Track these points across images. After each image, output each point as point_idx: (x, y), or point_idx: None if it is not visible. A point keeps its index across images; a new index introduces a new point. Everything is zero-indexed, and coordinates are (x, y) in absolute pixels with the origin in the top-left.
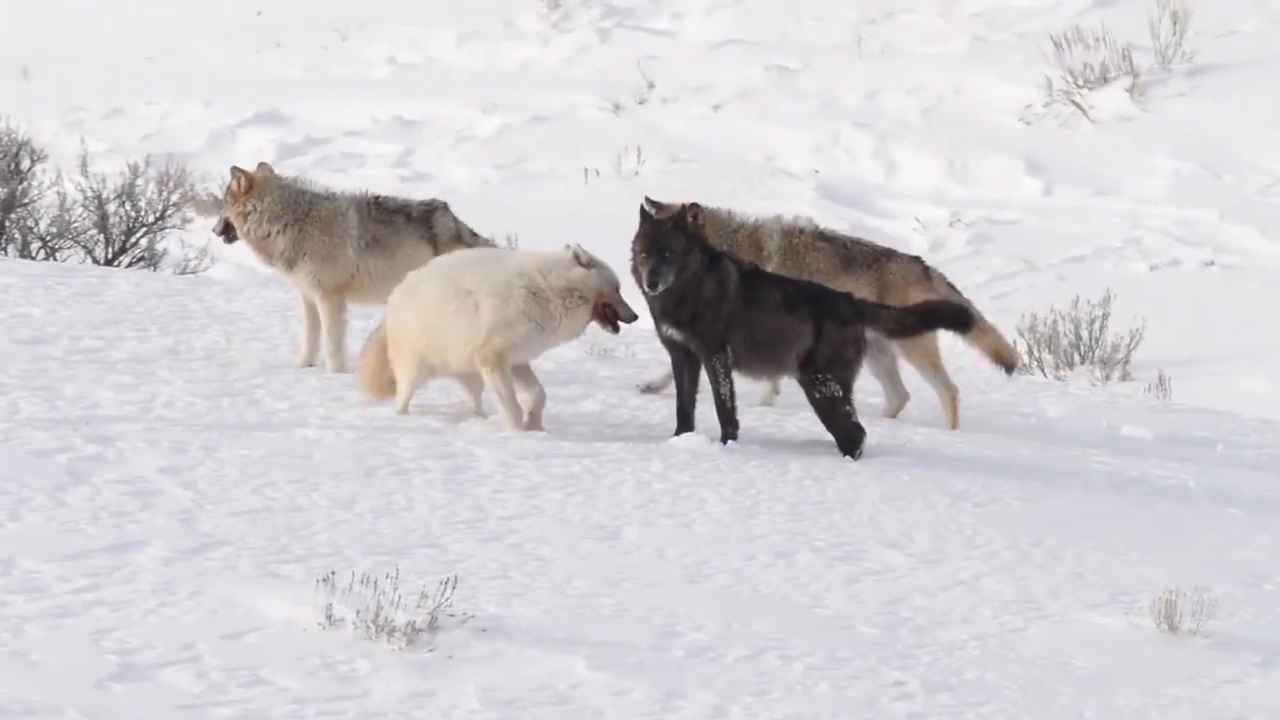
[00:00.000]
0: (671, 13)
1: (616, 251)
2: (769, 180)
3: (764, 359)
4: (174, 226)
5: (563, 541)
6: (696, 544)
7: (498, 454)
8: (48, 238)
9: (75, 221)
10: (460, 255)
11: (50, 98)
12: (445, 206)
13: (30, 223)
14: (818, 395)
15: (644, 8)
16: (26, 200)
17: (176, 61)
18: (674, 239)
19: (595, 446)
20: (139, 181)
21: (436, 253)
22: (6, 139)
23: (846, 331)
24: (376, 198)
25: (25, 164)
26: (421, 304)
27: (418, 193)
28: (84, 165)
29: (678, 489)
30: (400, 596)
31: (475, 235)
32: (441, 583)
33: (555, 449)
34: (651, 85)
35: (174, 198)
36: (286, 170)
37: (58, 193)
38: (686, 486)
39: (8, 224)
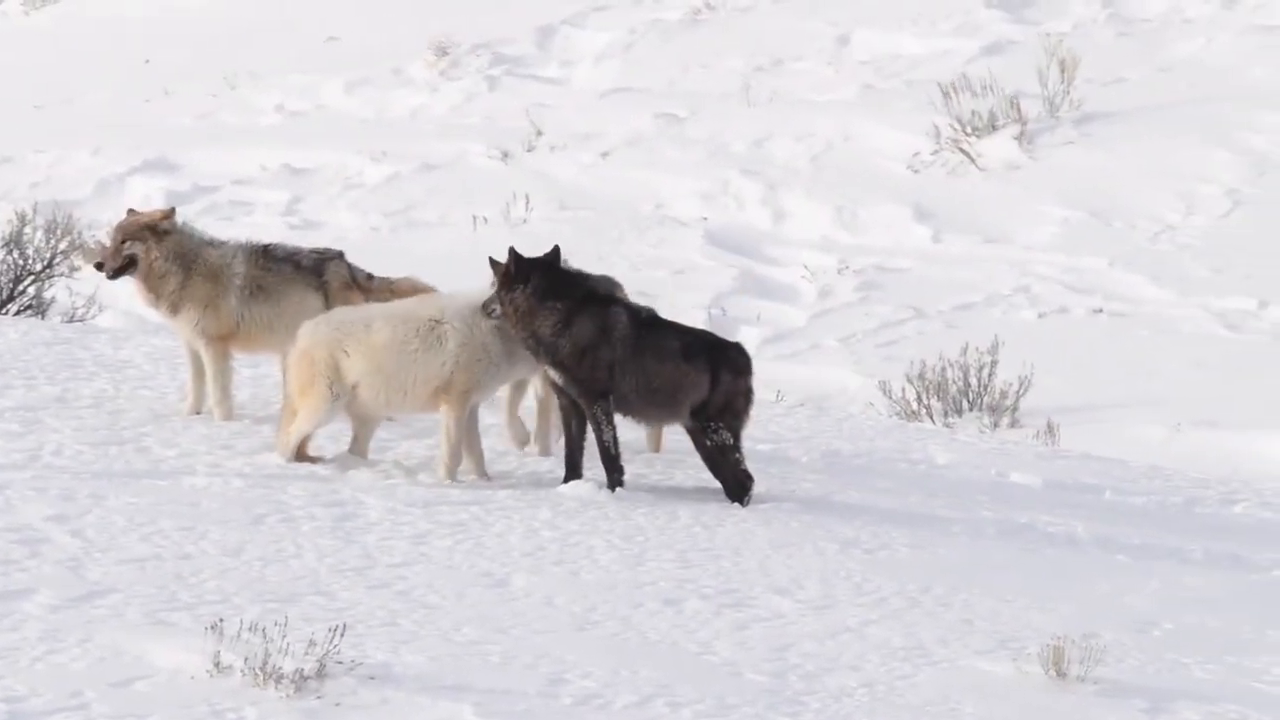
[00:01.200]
0: (560, 60)
1: None
2: (658, 228)
3: (658, 406)
4: (61, 274)
5: (451, 589)
6: (585, 591)
7: (386, 501)
8: None
9: None
10: (408, 299)
11: None
12: (340, 255)
13: None
14: (709, 443)
15: (532, 56)
16: None
17: (65, 109)
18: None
19: (483, 494)
20: (26, 229)
21: (328, 302)
22: None
23: (740, 381)
24: (266, 246)
25: None
26: (373, 344)
27: (306, 240)
28: None
29: (566, 536)
30: (288, 644)
31: (371, 278)
32: (330, 630)
33: (443, 496)
34: (540, 133)
35: (62, 245)
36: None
37: None
38: (575, 534)
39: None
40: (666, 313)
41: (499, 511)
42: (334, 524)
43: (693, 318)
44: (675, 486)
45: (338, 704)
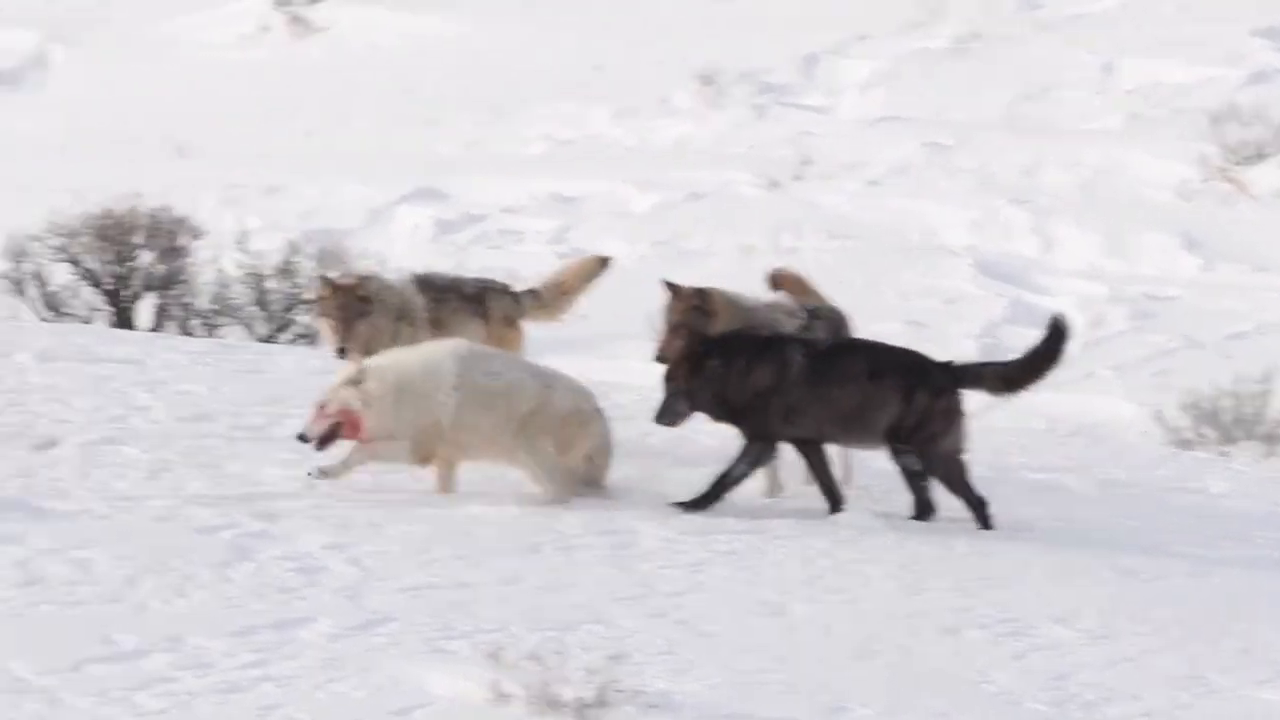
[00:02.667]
0: (825, 89)
1: None
2: (926, 257)
3: (850, 431)
4: None
5: (729, 617)
6: (863, 620)
7: (662, 530)
8: (208, 315)
9: (235, 298)
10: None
11: (208, 175)
12: (505, 288)
13: (190, 300)
14: (898, 464)
15: (798, 85)
16: (185, 278)
17: (335, 139)
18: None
19: (760, 522)
20: (297, 258)
21: (488, 332)
22: (164, 216)
23: (936, 402)
24: (425, 276)
25: (184, 241)
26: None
27: None
28: (243, 242)
29: (843, 565)
30: (567, 672)
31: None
32: (608, 658)
33: (720, 525)
34: (806, 162)
35: (333, 274)
36: (446, 248)
37: (217, 270)
38: (852, 562)
39: (167, 301)
40: (935, 343)
41: (776, 540)
42: (611, 552)
43: (963, 348)
44: (951, 515)
45: None
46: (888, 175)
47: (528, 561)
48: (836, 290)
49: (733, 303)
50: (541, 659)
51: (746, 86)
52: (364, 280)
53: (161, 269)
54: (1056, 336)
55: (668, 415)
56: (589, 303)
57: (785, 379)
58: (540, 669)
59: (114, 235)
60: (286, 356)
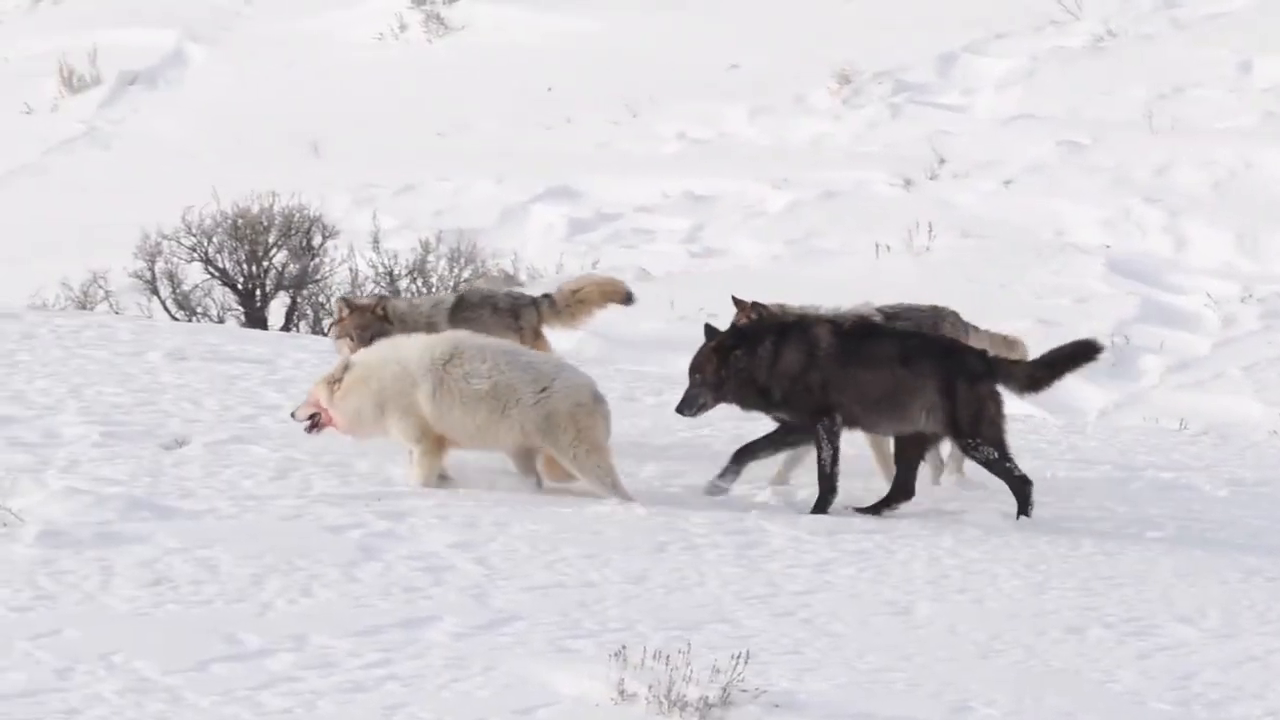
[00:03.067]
0: (961, 88)
1: None
2: (1059, 255)
3: (885, 416)
4: None
5: (854, 617)
6: (988, 619)
7: (789, 529)
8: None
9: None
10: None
11: (341, 175)
12: (534, 301)
13: (323, 299)
14: (977, 459)
15: (934, 84)
16: (319, 276)
17: (467, 138)
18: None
19: (887, 522)
20: (430, 257)
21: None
22: (299, 215)
23: (980, 388)
24: (461, 294)
25: (317, 240)
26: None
27: (707, 268)
28: (376, 242)
29: (969, 564)
30: (692, 671)
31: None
32: (733, 658)
33: (847, 525)
34: (942, 160)
35: (465, 273)
36: (579, 246)
37: (350, 269)
38: (978, 562)
39: (300, 300)
40: (1061, 342)
41: (902, 539)
42: (737, 552)
43: None
44: (1077, 515)
45: None
46: (1022, 174)
47: (654, 561)
48: (969, 288)
49: None
50: (667, 658)
51: (882, 85)
52: (383, 300)
53: (294, 268)
54: (1084, 353)
55: (689, 406)
56: (717, 302)
57: (815, 359)
58: (665, 668)
59: (247, 234)
60: None
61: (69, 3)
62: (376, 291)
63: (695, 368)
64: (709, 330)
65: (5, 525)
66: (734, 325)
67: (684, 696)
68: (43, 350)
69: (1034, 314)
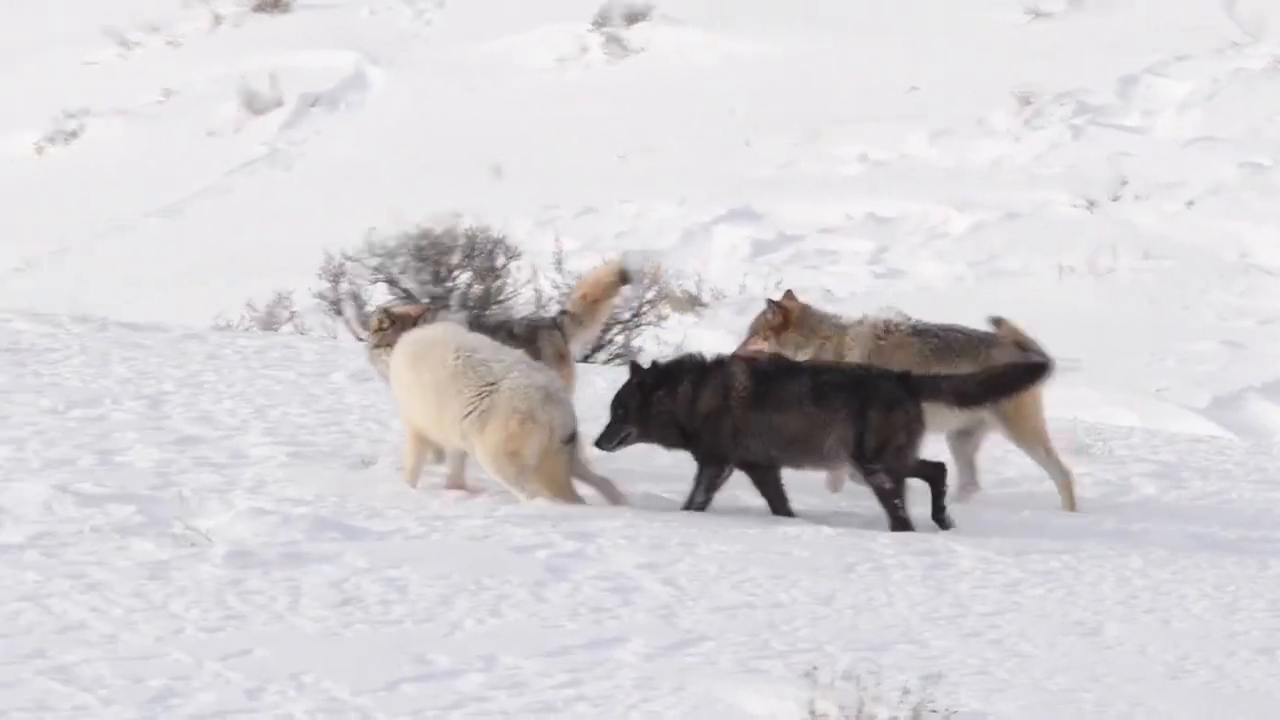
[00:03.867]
0: (1143, 110)
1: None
2: (1243, 277)
3: (800, 454)
4: (649, 324)
5: (1043, 637)
6: (1177, 640)
7: (978, 550)
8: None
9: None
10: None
11: (524, 196)
12: (553, 324)
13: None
14: (869, 484)
15: (1115, 105)
16: (502, 297)
17: (649, 160)
18: (640, 396)
19: (1075, 542)
20: None
21: None
22: (482, 237)
23: (893, 416)
24: (478, 315)
25: (500, 261)
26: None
27: (891, 290)
28: (558, 262)
29: (1158, 585)
30: (882, 691)
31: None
32: (923, 678)
33: (1035, 545)
34: (1124, 182)
35: (649, 295)
36: (762, 268)
37: (533, 290)
38: (1166, 582)
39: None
40: (1251, 363)
41: (1090, 560)
42: (925, 572)
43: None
44: (1265, 536)
45: None
46: (1204, 195)
47: (842, 581)
48: (1151, 310)
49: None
50: (856, 679)
51: (1064, 106)
52: (426, 310)
53: (478, 289)
54: (1032, 372)
55: (608, 440)
56: None
57: (729, 402)
58: (855, 689)
59: (431, 255)
60: (600, 376)
61: (250, 26)
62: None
63: (618, 403)
64: (633, 367)
65: (194, 546)
66: (655, 363)
67: (874, 717)
68: (228, 371)
69: (1218, 336)
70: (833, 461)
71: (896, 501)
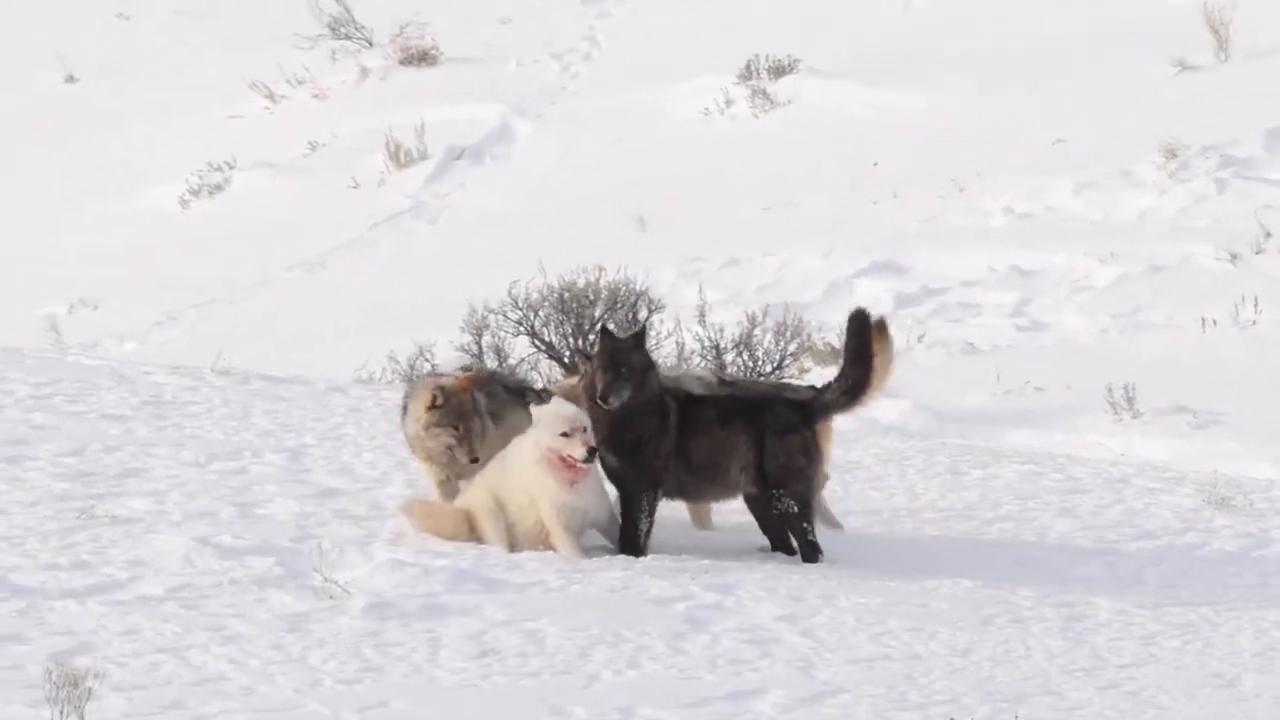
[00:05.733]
0: None
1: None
2: None
3: (711, 483)
4: (791, 376)
5: (1180, 689)
6: None
7: (1116, 602)
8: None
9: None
10: None
11: (667, 249)
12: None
13: None
14: (774, 512)
15: (1262, 159)
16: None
17: (793, 213)
18: (634, 357)
19: (1214, 594)
20: (756, 331)
21: None
22: (625, 289)
23: (788, 440)
24: (492, 373)
25: (643, 314)
26: None
27: (1034, 343)
28: (702, 315)
29: None
30: None
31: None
32: None
33: (1173, 597)
34: (1268, 235)
35: (791, 347)
36: (905, 320)
37: (676, 342)
38: None
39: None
40: None
41: (1228, 612)
42: (1063, 625)
43: None
44: None
45: None
46: None
47: (980, 633)
48: None
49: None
50: None
51: (1209, 159)
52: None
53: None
54: (855, 329)
55: None
56: (1045, 376)
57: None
58: None
59: (573, 308)
60: None
61: (396, 79)
62: (697, 365)
63: (616, 359)
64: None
65: (333, 598)
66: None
67: None
68: (369, 424)
69: None
70: (740, 489)
71: (806, 525)
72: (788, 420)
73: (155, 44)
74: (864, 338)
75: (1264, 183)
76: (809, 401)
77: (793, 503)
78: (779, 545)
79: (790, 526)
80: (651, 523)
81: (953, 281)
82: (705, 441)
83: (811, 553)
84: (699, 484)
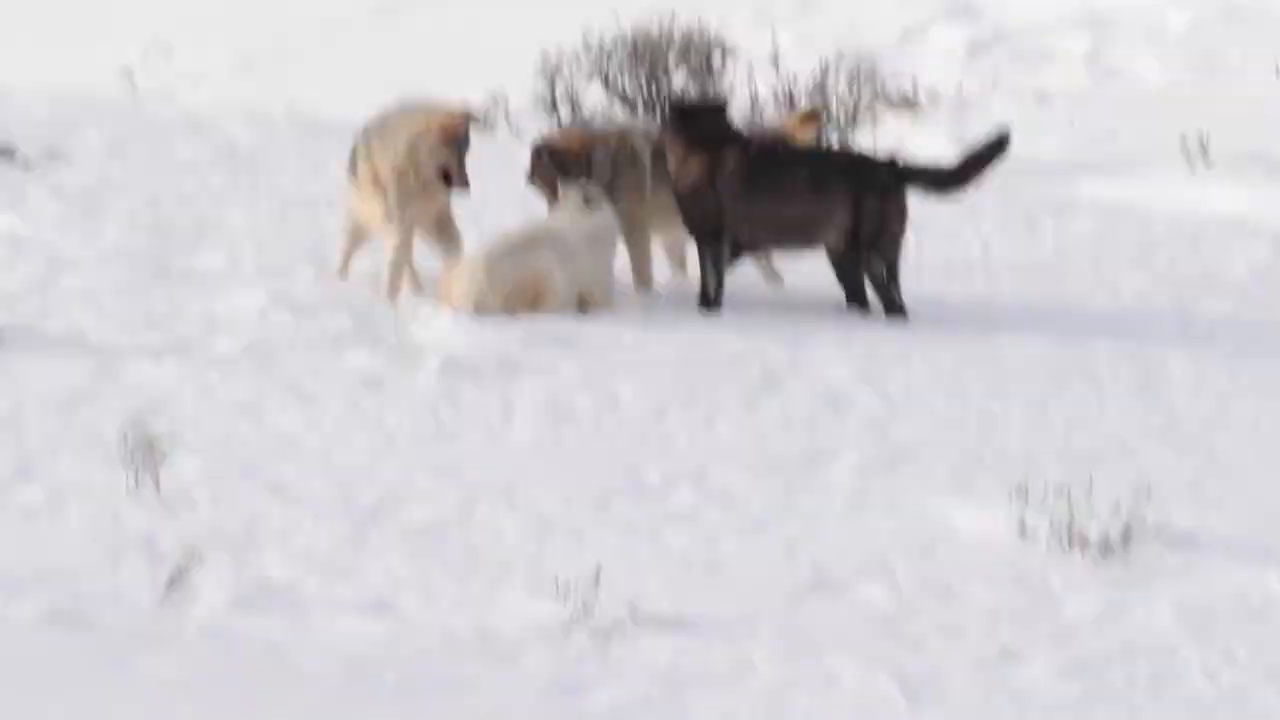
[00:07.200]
0: None
1: None
2: None
3: (793, 241)
4: (864, 124)
5: (1257, 452)
6: None
7: (1192, 362)
8: None
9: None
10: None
11: None
12: None
13: None
14: (865, 274)
15: None
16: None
17: None
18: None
19: None
20: (830, 79)
21: None
22: (698, 35)
23: (888, 202)
24: None
25: (716, 61)
26: None
27: (1107, 91)
28: (775, 62)
29: None
30: (1093, 507)
31: None
32: (1134, 493)
33: (1248, 354)
34: None
35: (865, 95)
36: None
37: (749, 90)
38: None
39: None
40: None
41: None
42: (1138, 384)
43: None
44: None
45: (1143, 569)
46: None
47: (1055, 392)
48: None
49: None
50: (1068, 494)
51: None
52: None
53: (694, 89)
54: (996, 145)
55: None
56: (1118, 122)
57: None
58: (1066, 505)
59: (646, 54)
60: None
61: None
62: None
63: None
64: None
65: (409, 356)
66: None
67: (1084, 533)
68: None
69: None
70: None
71: (894, 286)
72: (885, 181)
73: None
74: (993, 156)
75: None
76: (905, 164)
77: (882, 265)
78: (854, 299)
79: (877, 287)
80: (719, 277)
81: (1026, 27)
82: (795, 199)
83: (898, 314)
84: (782, 243)
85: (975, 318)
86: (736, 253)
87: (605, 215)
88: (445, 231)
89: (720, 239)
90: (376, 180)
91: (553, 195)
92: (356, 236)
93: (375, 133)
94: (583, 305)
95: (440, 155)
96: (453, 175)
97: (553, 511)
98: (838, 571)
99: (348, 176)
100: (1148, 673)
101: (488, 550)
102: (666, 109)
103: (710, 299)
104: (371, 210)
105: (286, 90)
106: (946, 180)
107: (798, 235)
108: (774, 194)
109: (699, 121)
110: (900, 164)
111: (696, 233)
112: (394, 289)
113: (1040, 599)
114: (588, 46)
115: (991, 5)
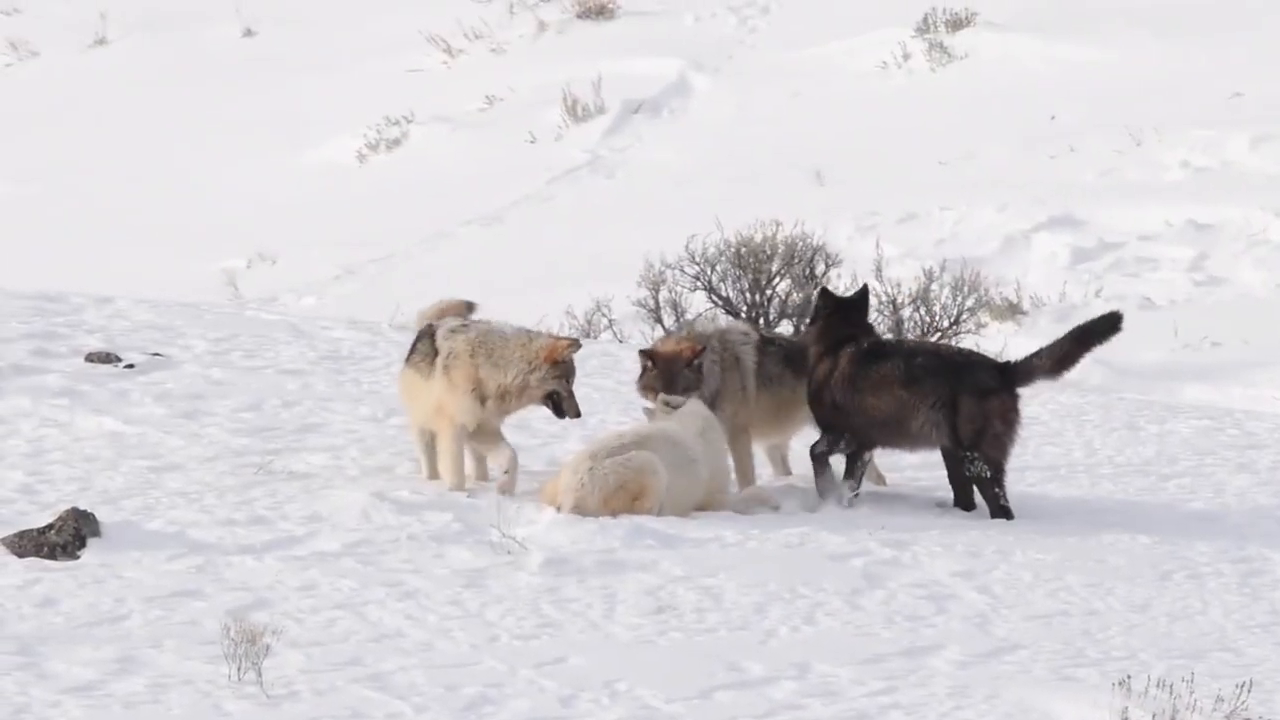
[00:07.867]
0: None
1: None
2: None
3: (891, 437)
4: (969, 331)
5: None
6: None
7: None
8: None
9: None
10: None
11: (844, 202)
12: None
13: None
14: (967, 473)
15: None
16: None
17: (970, 166)
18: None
19: None
20: (933, 286)
21: None
22: (802, 244)
23: (988, 404)
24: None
25: (820, 269)
26: None
27: (1211, 298)
28: (878, 270)
29: None
30: (1196, 700)
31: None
32: (1237, 686)
33: None
34: None
35: (968, 302)
36: (1082, 275)
37: None
38: None
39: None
40: None
41: None
42: (1240, 580)
43: None
44: None
45: None
46: None
47: (1158, 589)
48: None
49: None
50: (1170, 687)
51: None
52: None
53: (798, 297)
54: (1108, 322)
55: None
56: (1222, 332)
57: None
58: (1168, 697)
59: (750, 263)
60: None
61: (574, 33)
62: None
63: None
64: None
65: (510, 554)
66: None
67: None
68: None
69: None
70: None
71: (998, 490)
72: (988, 383)
73: None
74: (1102, 334)
75: None
76: (1013, 365)
77: (985, 466)
78: (961, 502)
79: (980, 487)
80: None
81: (1129, 236)
82: (887, 401)
83: (1002, 515)
84: (883, 439)
85: (1078, 517)
86: (854, 449)
87: (710, 418)
88: (493, 437)
89: (838, 435)
90: (453, 380)
91: (656, 399)
92: (428, 438)
93: (481, 347)
94: (703, 505)
95: (551, 384)
96: (564, 405)
97: (655, 705)
98: None
99: (404, 369)
100: None
101: None
102: (817, 298)
103: (826, 496)
104: (440, 403)
105: (390, 295)
106: (1060, 363)
107: (892, 432)
108: (870, 391)
109: (852, 312)
110: (1007, 365)
111: (820, 428)
112: (457, 480)
113: None
114: (690, 254)
115: (1095, 214)
